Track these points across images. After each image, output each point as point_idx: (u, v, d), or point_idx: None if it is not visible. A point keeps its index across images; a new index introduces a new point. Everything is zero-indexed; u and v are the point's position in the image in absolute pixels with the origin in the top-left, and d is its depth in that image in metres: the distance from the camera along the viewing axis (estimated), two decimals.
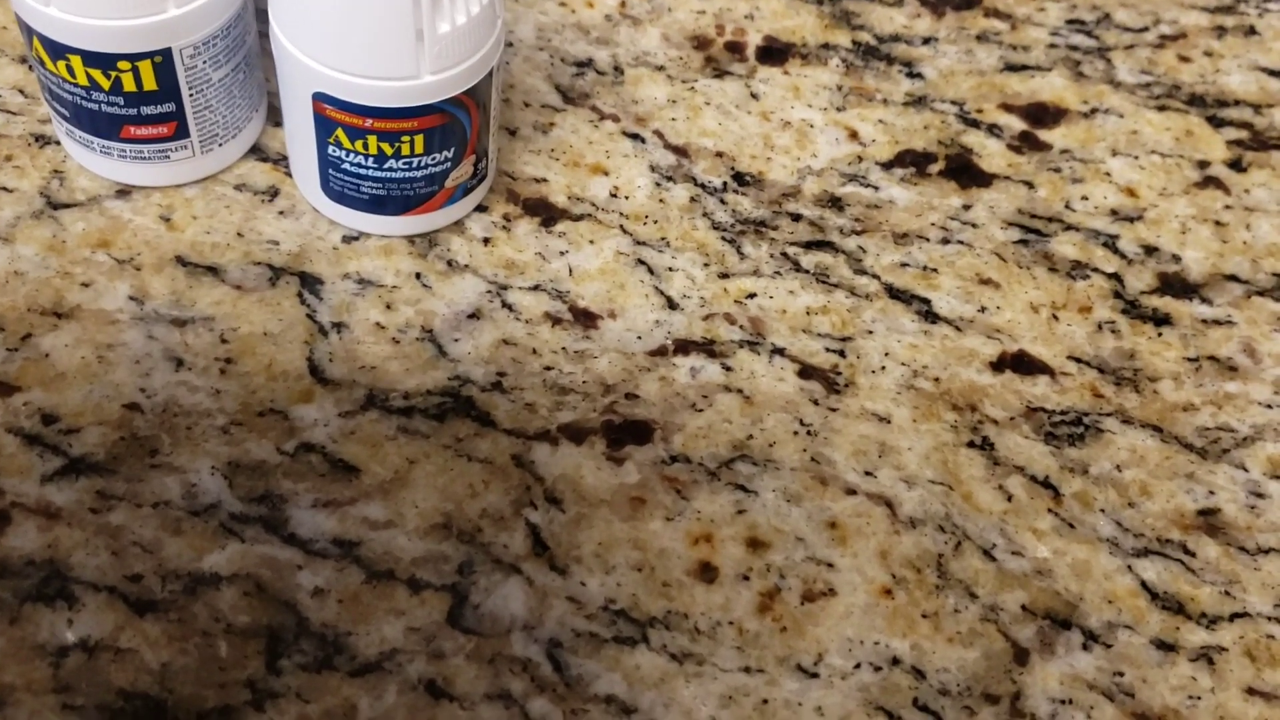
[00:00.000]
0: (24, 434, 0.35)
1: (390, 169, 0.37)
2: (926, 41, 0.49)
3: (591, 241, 0.41)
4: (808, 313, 0.41)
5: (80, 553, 0.33)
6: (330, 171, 0.37)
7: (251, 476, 0.35)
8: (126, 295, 0.38)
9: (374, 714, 0.32)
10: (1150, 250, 0.44)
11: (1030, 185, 0.45)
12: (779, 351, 0.40)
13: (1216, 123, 0.48)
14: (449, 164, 0.38)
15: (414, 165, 0.37)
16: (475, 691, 0.32)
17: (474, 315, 0.39)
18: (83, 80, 0.36)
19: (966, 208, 0.44)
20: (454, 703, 0.32)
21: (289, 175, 0.41)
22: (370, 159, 0.36)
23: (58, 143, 0.40)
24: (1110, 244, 0.44)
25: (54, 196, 0.39)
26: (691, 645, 0.34)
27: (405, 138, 0.36)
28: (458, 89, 0.35)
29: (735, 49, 0.47)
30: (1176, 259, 0.44)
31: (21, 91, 0.42)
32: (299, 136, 0.37)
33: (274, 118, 0.42)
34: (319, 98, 0.35)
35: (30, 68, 0.42)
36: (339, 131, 0.36)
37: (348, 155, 0.36)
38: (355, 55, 0.34)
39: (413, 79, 0.34)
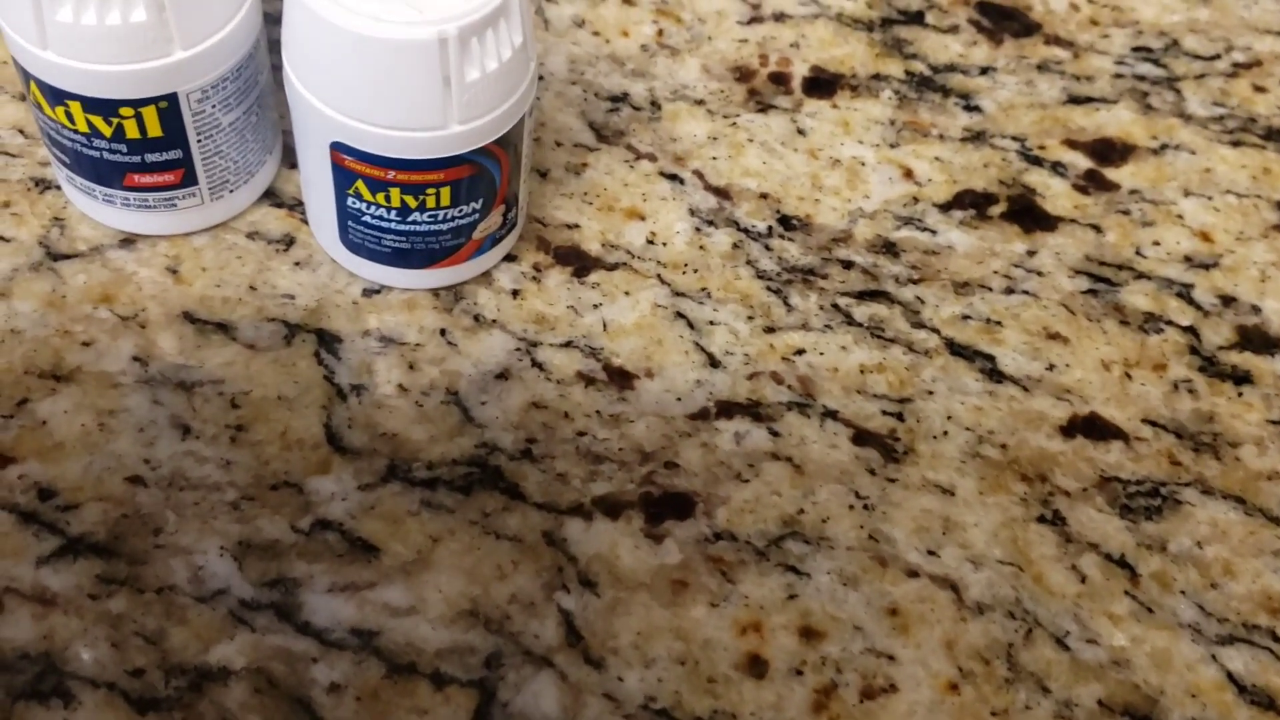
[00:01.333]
0: (19, 511, 0.32)
1: (414, 222, 0.34)
2: (984, 71, 0.46)
3: (627, 293, 0.39)
4: (861, 371, 0.38)
5: (78, 644, 0.31)
6: (350, 223, 0.35)
7: (264, 558, 0.32)
8: (130, 355, 0.35)
9: None
10: (1227, 300, 0.41)
11: (1098, 229, 0.42)
12: (831, 415, 0.37)
13: None
14: (477, 215, 0.35)
15: (440, 218, 0.34)
16: None
17: (502, 375, 0.36)
18: (83, 127, 0.33)
19: (1031, 254, 0.41)
20: None
21: (305, 222, 0.38)
22: (393, 212, 0.34)
23: (58, 187, 0.38)
24: (1185, 294, 0.41)
25: (54, 246, 0.37)
26: None
27: (430, 190, 0.33)
28: (487, 139, 0.32)
29: (780, 80, 0.44)
30: (1256, 310, 0.41)
31: (21, 131, 0.39)
32: (316, 185, 0.35)
33: (289, 158, 0.39)
34: (337, 147, 0.32)
35: None
36: (359, 183, 0.33)
37: (369, 207, 0.34)
38: (377, 104, 0.31)
39: (439, 129, 0.31)
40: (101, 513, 0.33)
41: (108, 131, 0.33)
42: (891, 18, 0.47)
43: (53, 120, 0.34)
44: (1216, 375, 0.39)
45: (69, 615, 0.31)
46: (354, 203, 0.34)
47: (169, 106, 0.33)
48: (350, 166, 0.33)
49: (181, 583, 0.32)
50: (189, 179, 0.35)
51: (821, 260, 0.40)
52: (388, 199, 0.33)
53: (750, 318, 0.39)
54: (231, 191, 0.36)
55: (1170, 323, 0.40)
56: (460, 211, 0.34)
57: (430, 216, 0.34)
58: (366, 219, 0.34)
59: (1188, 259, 0.42)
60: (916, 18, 0.47)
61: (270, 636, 0.31)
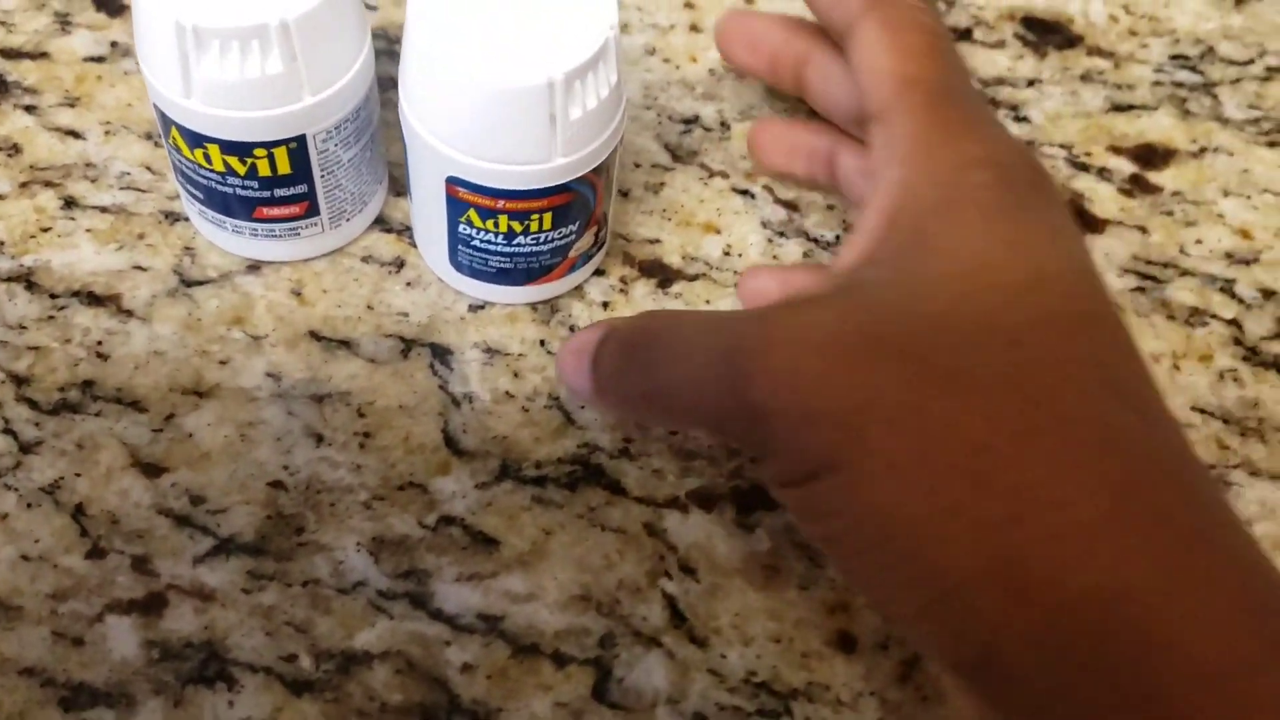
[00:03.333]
0: (174, 515, 0.36)
1: (519, 244, 0.37)
2: (1031, 84, 0.49)
3: (707, 301, 0.42)
4: None
5: (236, 634, 0.34)
6: (460, 247, 0.38)
7: (396, 552, 0.36)
8: (264, 372, 0.39)
9: None
10: (1269, 294, 0.44)
11: (1143, 230, 0.45)
12: None
13: None
14: (574, 236, 0.38)
15: (541, 240, 0.37)
16: None
17: None
18: (219, 167, 0.37)
19: None
20: None
21: (413, 245, 0.41)
22: (500, 236, 0.37)
23: (186, 219, 0.41)
24: (1227, 288, 0.44)
25: (186, 274, 0.40)
26: (834, 717, 0.34)
27: (534, 216, 0.36)
28: (586, 168, 0.36)
29: None
30: None
31: (149, 169, 0.43)
32: (428, 214, 0.38)
33: (394, 187, 0.42)
34: (452, 181, 0.36)
35: (156, 143, 0.43)
36: (470, 212, 0.36)
37: (478, 233, 0.37)
38: (491, 142, 0.34)
39: (545, 163, 0.35)
40: (248, 515, 0.36)
41: (242, 170, 0.37)
42: None
43: (190, 161, 0.37)
44: (1260, 364, 0.42)
45: (226, 608, 0.35)
46: (465, 229, 0.37)
47: (298, 147, 0.36)
48: (464, 197, 0.36)
49: (324, 576, 0.35)
50: (312, 210, 0.38)
51: None
52: (496, 225, 0.37)
53: None
54: (348, 220, 0.40)
55: (1214, 316, 0.43)
56: (560, 233, 0.38)
57: (533, 239, 0.37)
58: (475, 243, 0.37)
59: (1229, 255, 0.45)
60: (965, 35, 0.50)
61: (406, 623, 0.35)
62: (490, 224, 0.37)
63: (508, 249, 0.38)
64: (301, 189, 0.38)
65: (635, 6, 0.49)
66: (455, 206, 0.36)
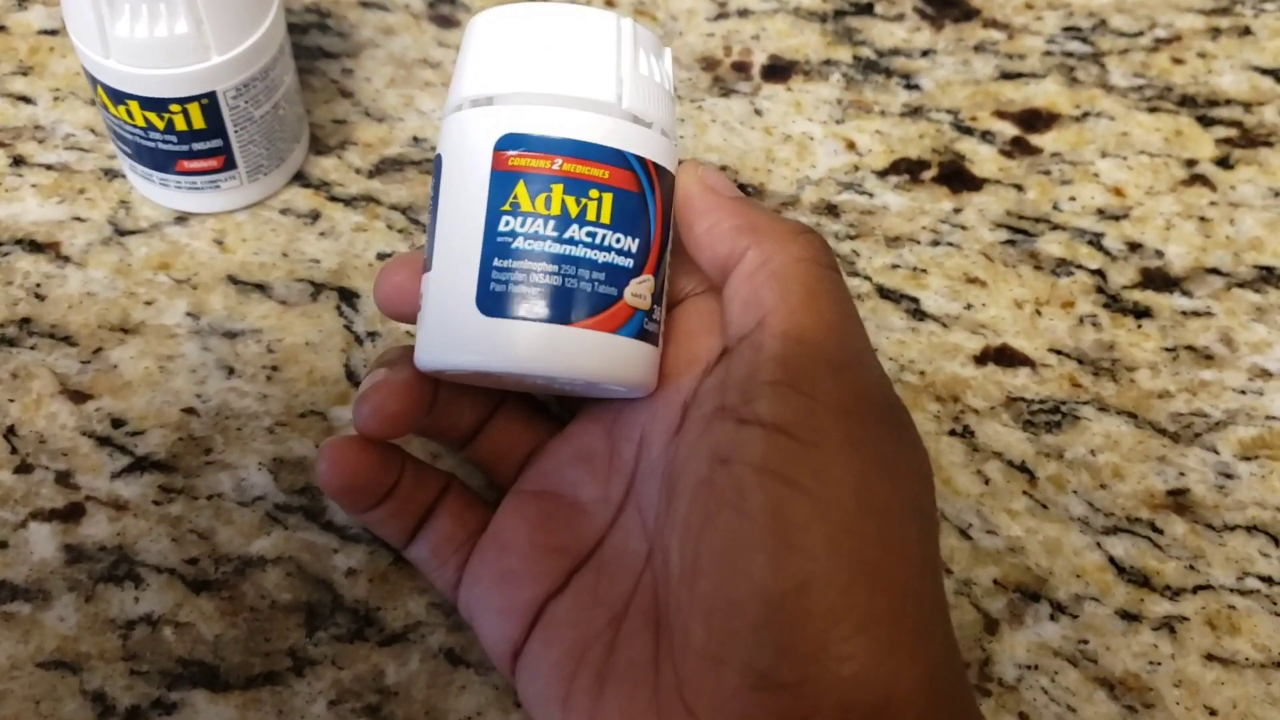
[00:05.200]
0: (96, 436, 0.40)
1: (572, 239, 0.32)
2: (925, 54, 0.52)
3: None
4: None
5: (145, 540, 0.38)
6: (495, 262, 0.32)
7: (294, 471, 0.39)
8: (184, 312, 0.42)
9: (399, 679, 0.36)
10: (1134, 247, 0.46)
11: (1020, 188, 0.48)
12: None
13: (1206, 122, 0.50)
14: (632, 260, 0.33)
15: (597, 240, 0.33)
16: (489, 660, 0.36)
17: None
18: (140, 122, 0.40)
19: (957, 211, 0.47)
20: (470, 669, 0.36)
21: (330, 200, 0.45)
22: (551, 224, 0.31)
23: (123, 175, 0.45)
24: (1095, 242, 0.47)
25: (120, 224, 0.44)
26: None
27: (594, 194, 0.32)
28: (648, 148, 0.32)
29: (741, 69, 0.51)
30: (1160, 254, 0.46)
31: (92, 130, 0.46)
32: (457, 241, 0.32)
33: (314, 146, 0.46)
34: (504, 144, 0.32)
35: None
36: (519, 188, 0.32)
37: (524, 223, 0.31)
38: (553, 71, 0.32)
39: (607, 112, 0.32)
40: (162, 437, 0.40)
41: (160, 125, 0.40)
42: (843, 9, 0.53)
43: (116, 117, 0.41)
44: (1119, 310, 0.45)
45: (138, 518, 0.38)
46: (507, 224, 0.31)
47: (209, 103, 0.40)
48: (513, 164, 0.31)
49: (227, 491, 0.39)
50: (229, 164, 0.42)
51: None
52: (548, 204, 0.31)
53: None
54: (265, 174, 0.44)
55: (1080, 266, 0.46)
56: (618, 240, 0.32)
57: (588, 235, 0.31)
58: (518, 244, 0.31)
59: (1100, 211, 0.47)
60: (866, 9, 0.53)
61: (299, 533, 0.38)
62: (541, 202, 0.31)
63: (558, 247, 0.31)
64: (216, 143, 0.41)
65: None
66: (499, 188, 0.31)
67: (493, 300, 0.31)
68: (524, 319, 0.31)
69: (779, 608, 0.26)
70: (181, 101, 0.40)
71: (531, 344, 0.31)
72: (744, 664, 0.26)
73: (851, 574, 0.26)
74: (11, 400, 0.40)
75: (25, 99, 0.47)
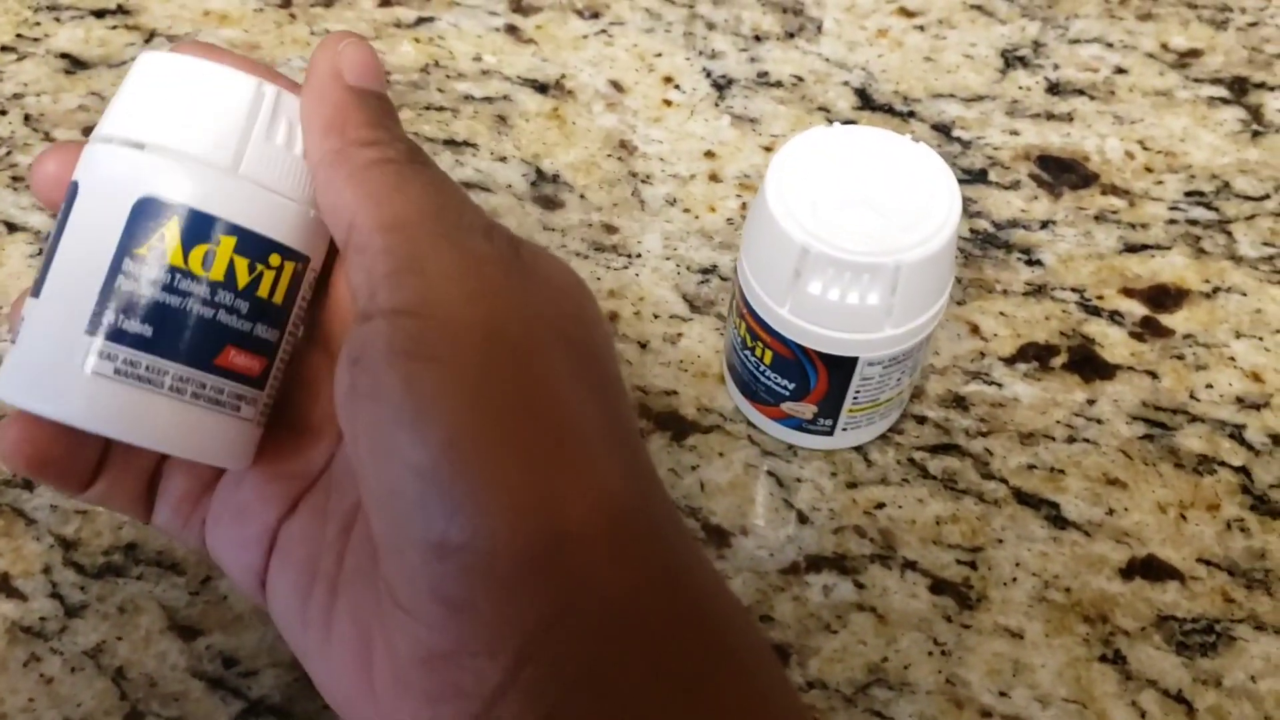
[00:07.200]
0: (208, 678, 0.38)
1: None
2: (1044, 225, 0.50)
3: (721, 454, 0.43)
4: (937, 522, 0.42)
5: None
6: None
7: None
8: None
9: None
10: (1278, 439, 0.44)
11: (1154, 375, 0.46)
12: (910, 565, 0.41)
13: None
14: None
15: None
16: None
17: None
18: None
19: (1090, 402, 0.45)
20: None
21: None
22: None
23: None
24: (1237, 435, 0.44)
25: None
26: None
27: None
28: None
29: None
30: None
31: None
32: None
33: None
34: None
35: None
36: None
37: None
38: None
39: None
40: (275, 678, 0.38)
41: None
42: (957, 177, 0.51)
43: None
44: (1268, 513, 0.43)
45: None
46: None
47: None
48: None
49: None
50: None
51: (898, 418, 0.44)
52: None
53: (834, 474, 0.43)
54: None
55: (1223, 463, 0.44)
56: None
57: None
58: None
59: (1239, 400, 0.45)
60: (980, 176, 0.51)
61: None
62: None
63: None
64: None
65: (658, 156, 0.51)
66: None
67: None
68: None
69: (431, 477, 0.26)
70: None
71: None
72: (419, 541, 0.26)
73: (493, 423, 0.26)
74: (120, 638, 0.39)
75: None
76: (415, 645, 0.26)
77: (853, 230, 0.37)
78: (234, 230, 0.29)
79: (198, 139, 0.29)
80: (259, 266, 0.30)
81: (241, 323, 0.30)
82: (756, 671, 0.27)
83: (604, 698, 0.26)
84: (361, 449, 0.27)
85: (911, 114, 0.53)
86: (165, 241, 0.29)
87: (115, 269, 0.29)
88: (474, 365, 0.27)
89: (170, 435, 0.29)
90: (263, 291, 0.30)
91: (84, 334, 0.28)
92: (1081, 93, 0.54)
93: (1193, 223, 0.50)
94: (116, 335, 0.28)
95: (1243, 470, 0.44)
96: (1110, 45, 0.56)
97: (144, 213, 0.29)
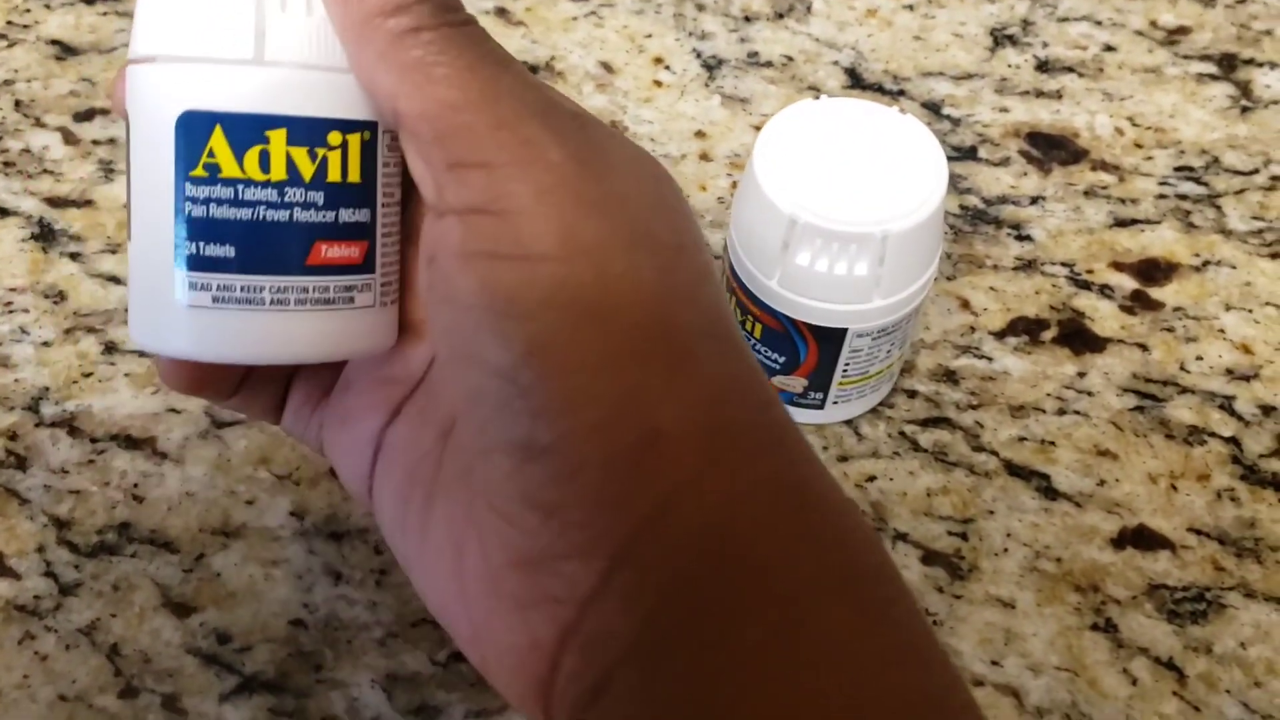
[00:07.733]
0: (202, 654, 0.38)
1: None
2: (1034, 201, 0.50)
3: None
4: (928, 494, 0.42)
5: None
6: None
7: (409, 689, 0.38)
8: (287, 511, 0.41)
9: None
10: (1268, 410, 0.44)
11: (1144, 348, 0.46)
12: (901, 537, 0.41)
13: None
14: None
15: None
16: None
17: None
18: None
19: (1081, 375, 0.45)
20: None
21: None
22: None
23: None
24: (1227, 406, 0.44)
25: (217, 416, 0.43)
26: None
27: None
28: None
29: None
30: None
31: None
32: None
33: None
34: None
35: None
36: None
37: None
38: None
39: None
40: (270, 653, 0.38)
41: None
42: (948, 155, 0.51)
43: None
44: (1258, 483, 0.43)
45: None
46: None
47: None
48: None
49: (340, 713, 0.37)
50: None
51: (889, 392, 0.44)
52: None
53: (825, 448, 0.43)
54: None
55: (1213, 434, 0.44)
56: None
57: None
58: None
59: (1229, 372, 0.45)
60: (970, 153, 0.51)
61: None
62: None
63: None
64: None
65: (649, 137, 0.51)
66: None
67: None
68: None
69: (513, 379, 0.25)
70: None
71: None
72: (506, 444, 0.25)
73: (575, 322, 0.25)
74: (114, 615, 0.39)
75: (115, 279, 0.46)
76: (507, 550, 0.26)
77: (840, 201, 0.37)
78: (279, 122, 0.27)
79: (213, 38, 0.27)
80: (320, 151, 0.27)
81: (322, 215, 0.27)
82: (874, 600, 0.25)
83: (701, 613, 0.24)
84: (443, 351, 0.27)
85: (901, 92, 0.53)
86: (216, 156, 0.27)
87: (180, 195, 0.27)
88: (548, 262, 0.25)
89: (285, 348, 0.28)
90: (333, 176, 0.28)
91: (172, 269, 0.27)
92: (1071, 70, 0.54)
93: (1182, 197, 0.50)
94: (201, 263, 0.27)
95: (1233, 441, 0.44)
96: (1099, 23, 0.56)
97: (187, 131, 0.27)
